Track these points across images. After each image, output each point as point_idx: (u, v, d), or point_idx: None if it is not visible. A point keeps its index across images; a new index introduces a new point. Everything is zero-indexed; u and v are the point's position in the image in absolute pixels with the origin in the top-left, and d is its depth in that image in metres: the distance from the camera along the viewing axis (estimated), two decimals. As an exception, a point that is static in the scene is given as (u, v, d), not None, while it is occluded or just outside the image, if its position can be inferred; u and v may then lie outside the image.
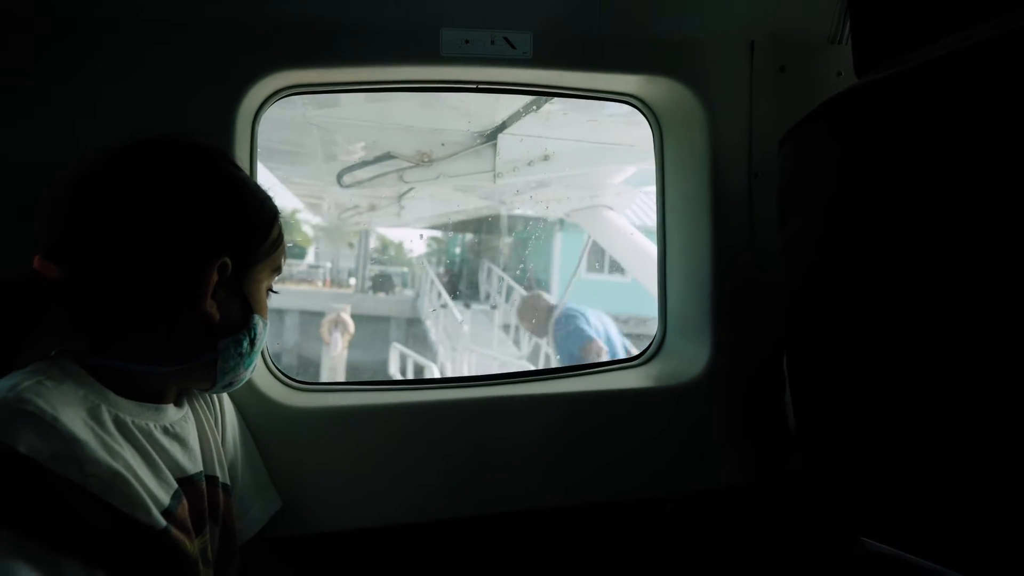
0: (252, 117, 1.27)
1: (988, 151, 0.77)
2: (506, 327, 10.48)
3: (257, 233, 1.01)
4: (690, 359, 1.51)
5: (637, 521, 1.49)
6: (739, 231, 1.46)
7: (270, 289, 1.08)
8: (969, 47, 0.77)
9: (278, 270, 1.08)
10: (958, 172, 0.80)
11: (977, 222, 0.79)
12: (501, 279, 10.91)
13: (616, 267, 11.00)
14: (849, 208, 0.94)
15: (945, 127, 0.81)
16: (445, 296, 10.09)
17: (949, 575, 0.96)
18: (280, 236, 1.06)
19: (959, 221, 0.81)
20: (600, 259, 11.06)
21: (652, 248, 1.67)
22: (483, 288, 11.98)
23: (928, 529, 0.96)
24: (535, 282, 11.44)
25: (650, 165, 1.61)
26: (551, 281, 11.42)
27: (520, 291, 9.98)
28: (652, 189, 1.62)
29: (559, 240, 11.23)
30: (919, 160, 0.84)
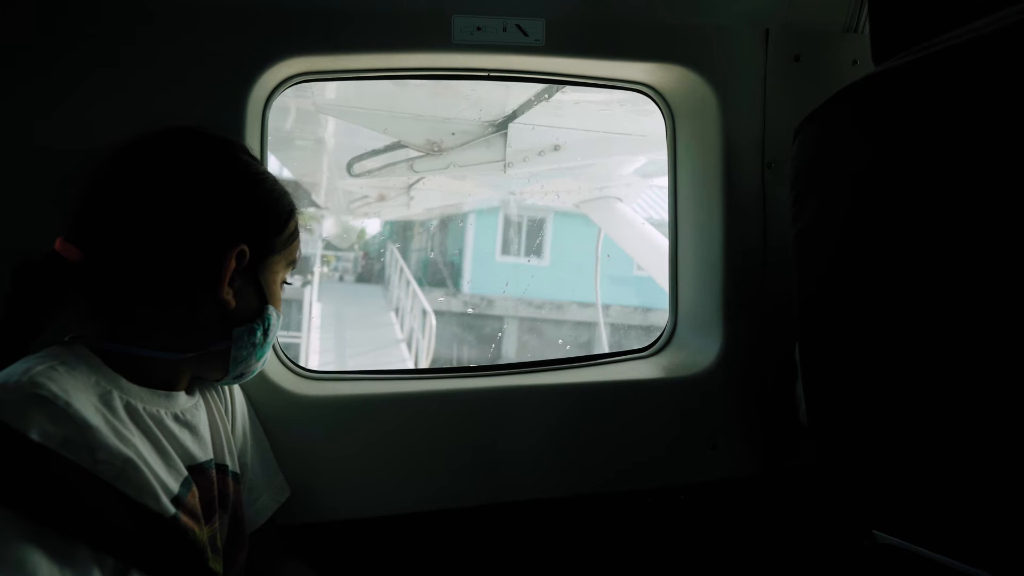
0: (263, 105, 1.27)
1: (1014, 139, 0.76)
2: (397, 309, 10.57)
3: (274, 224, 1.03)
4: (701, 350, 1.50)
5: (648, 512, 1.49)
6: (752, 221, 1.45)
7: (284, 282, 1.09)
8: (994, 32, 0.76)
9: (293, 264, 1.09)
10: (985, 161, 0.79)
11: (1000, 212, 0.78)
12: (397, 259, 11.04)
13: (534, 250, 10.96)
14: (870, 196, 0.93)
15: (972, 114, 0.80)
16: (315, 276, 10.24)
17: (960, 568, 0.96)
18: (296, 230, 1.08)
19: (982, 211, 0.80)
20: (516, 241, 11.07)
21: (662, 240, 1.66)
22: (387, 270, 12.20)
23: (939, 522, 0.96)
24: (447, 266, 11.54)
25: (661, 155, 1.60)
26: (464, 263, 11.41)
27: (408, 273, 10.08)
28: (662, 180, 1.61)
29: (472, 226, 11.25)
30: (945, 148, 0.83)
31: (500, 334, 10.95)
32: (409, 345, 9.45)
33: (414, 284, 10.01)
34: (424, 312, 9.04)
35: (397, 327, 10.50)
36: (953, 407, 0.87)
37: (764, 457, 1.51)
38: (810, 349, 1.11)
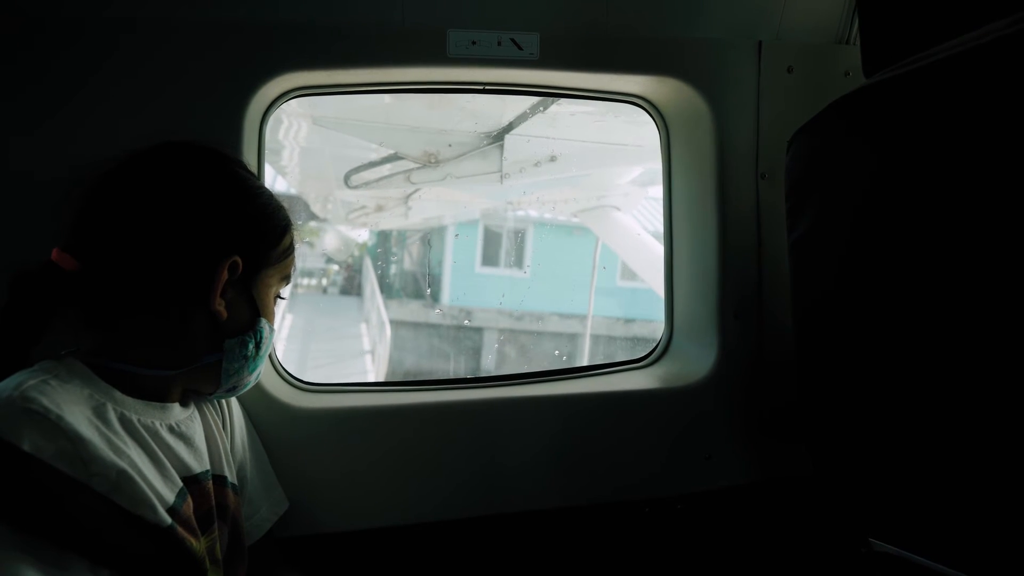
0: (260, 119, 1.28)
1: (1003, 148, 0.77)
2: (367, 320, 10.62)
3: (269, 238, 1.03)
4: (697, 360, 1.51)
5: (645, 522, 1.49)
6: (746, 232, 1.46)
7: (279, 296, 1.09)
8: (982, 46, 0.77)
9: (287, 279, 1.10)
10: (976, 169, 0.80)
11: (990, 220, 0.79)
12: (370, 272, 11.09)
13: (514, 261, 10.95)
14: (866, 205, 0.94)
15: (964, 124, 0.81)
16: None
17: (956, 576, 0.96)
18: (291, 245, 1.08)
19: (975, 218, 0.81)
20: (497, 252, 11.06)
21: (659, 248, 1.67)
22: (365, 282, 12.42)
23: (935, 530, 0.96)
24: (425, 277, 11.60)
25: (658, 165, 1.61)
26: (443, 275, 11.49)
27: (374, 284, 10.14)
28: (659, 190, 1.62)
29: (452, 238, 11.29)
30: (938, 157, 0.84)
31: (479, 347, 10.91)
32: (373, 356, 9.54)
33: (379, 297, 10.09)
34: (383, 324, 9.16)
35: (365, 339, 10.58)
36: (950, 416, 0.88)
37: (760, 466, 1.51)
38: (807, 357, 1.11)
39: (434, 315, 10.96)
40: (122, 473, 0.84)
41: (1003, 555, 0.87)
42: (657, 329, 1.64)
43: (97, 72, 1.16)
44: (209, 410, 1.10)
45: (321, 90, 1.35)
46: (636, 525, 1.49)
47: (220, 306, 0.97)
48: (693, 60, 1.40)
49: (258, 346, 1.04)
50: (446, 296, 11.39)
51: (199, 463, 1.00)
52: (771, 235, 1.46)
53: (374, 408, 1.34)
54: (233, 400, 1.18)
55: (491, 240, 11.02)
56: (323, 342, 10.70)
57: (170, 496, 0.91)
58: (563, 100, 2.90)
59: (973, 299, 0.82)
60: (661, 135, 1.57)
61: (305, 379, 1.38)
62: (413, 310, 10.98)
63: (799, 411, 1.17)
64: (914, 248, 0.88)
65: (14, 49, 1.13)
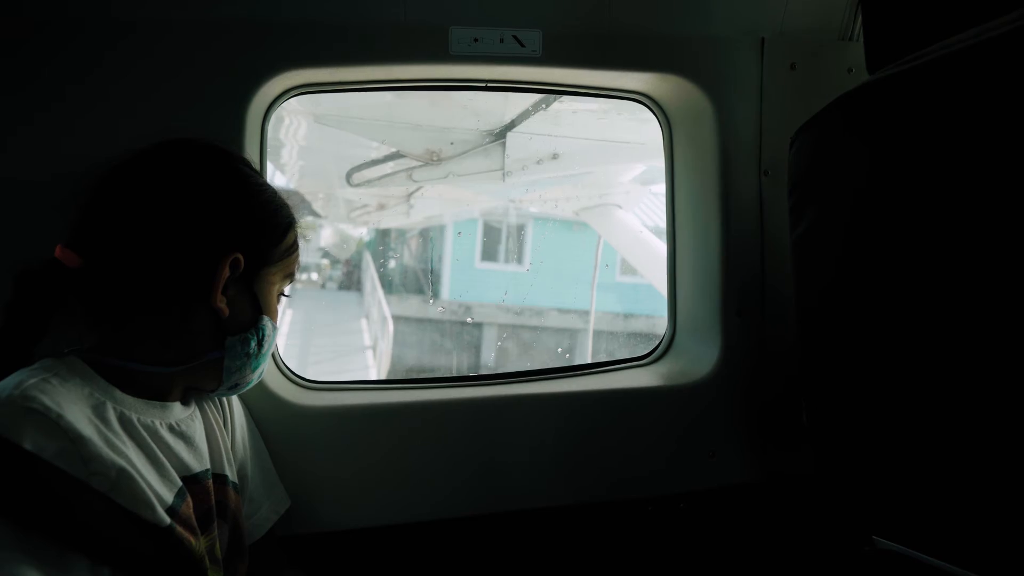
0: (262, 116, 1.28)
1: (1007, 145, 0.77)
2: (368, 316, 10.64)
3: (272, 235, 1.03)
4: (700, 358, 1.51)
5: (648, 519, 1.49)
6: (749, 229, 1.46)
7: (282, 294, 1.09)
8: (985, 42, 0.77)
9: (291, 276, 1.10)
10: (980, 166, 0.80)
11: (992, 216, 0.79)
12: (370, 267, 11.10)
13: (514, 256, 10.94)
14: (868, 202, 0.94)
15: (967, 121, 0.81)
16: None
17: (959, 574, 0.96)
18: (295, 243, 1.08)
19: (977, 216, 0.81)
20: (495, 247, 11.04)
21: (661, 246, 1.67)
22: (365, 277, 12.56)
23: (939, 528, 0.96)
24: (423, 273, 11.64)
25: (660, 162, 1.60)
26: (443, 270, 11.55)
27: (376, 280, 10.19)
28: (661, 187, 1.61)
29: (450, 235, 11.35)
30: (940, 154, 0.84)
31: (479, 341, 10.92)
32: (374, 352, 9.55)
33: (380, 292, 10.09)
34: (384, 319, 9.18)
35: (366, 334, 10.59)
36: (953, 413, 0.88)
37: (764, 464, 1.51)
38: (810, 354, 1.11)
39: (434, 310, 10.97)
40: (122, 472, 0.84)
41: (1008, 553, 0.86)
42: (656, 324, 1.64)
43: (99, 71, 1.16)
44: (210, 408, 1.10)
45: (323, 87, 1.34)
46: (639, 523, 1.49)
47: (221, 303, 0.97)
48: (696, 57, 1.40)
49: (260, 344, 1.04)
50: (446, 291, 11.40)
51: (199, 462, 1.00)
52: (774, 232, 1.46)
53: (376, 406, 1.34)
54: (234, 398, 1.18)
55: (490, 235, 11.03)
56: (324, 337, 10.71)
57: (169, 496, 0.91)
58: (565, 97, 2.89)
59: (980, 296, 0.82)
60: (664, 132, 1.56)
61: (307, 374, 1.38)
62: (413, 305, 11.00)
63: (802, 408, 1.17)
64: (917, 245, 0.87)
65: (14, 49, 1.13)
